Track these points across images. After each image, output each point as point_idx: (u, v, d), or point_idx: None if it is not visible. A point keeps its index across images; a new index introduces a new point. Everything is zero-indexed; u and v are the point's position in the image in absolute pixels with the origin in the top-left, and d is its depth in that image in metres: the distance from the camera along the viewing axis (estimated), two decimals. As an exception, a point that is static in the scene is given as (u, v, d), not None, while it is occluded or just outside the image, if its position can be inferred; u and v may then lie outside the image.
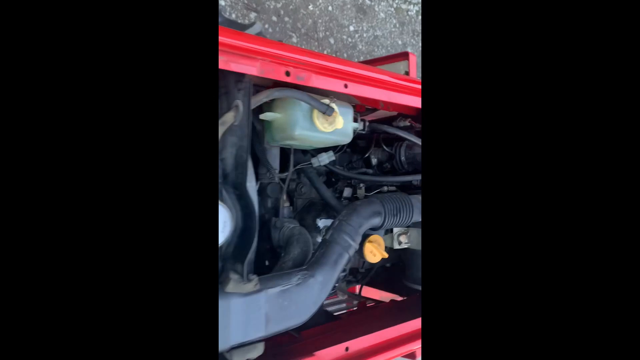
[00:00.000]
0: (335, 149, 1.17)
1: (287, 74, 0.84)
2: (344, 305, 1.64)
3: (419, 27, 4.15)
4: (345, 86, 0.94)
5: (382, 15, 3.97)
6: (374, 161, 1.41)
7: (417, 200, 1.17)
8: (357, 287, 1.61)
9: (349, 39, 3.79)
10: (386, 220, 1.05)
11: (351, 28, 3.78)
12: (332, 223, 0.99)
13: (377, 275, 1.64)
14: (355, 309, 1.55)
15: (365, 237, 1.07)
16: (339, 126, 0.95)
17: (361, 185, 1.21)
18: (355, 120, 1.05)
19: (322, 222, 1.20)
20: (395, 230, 1.27)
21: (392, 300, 1.63)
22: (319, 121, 0.91)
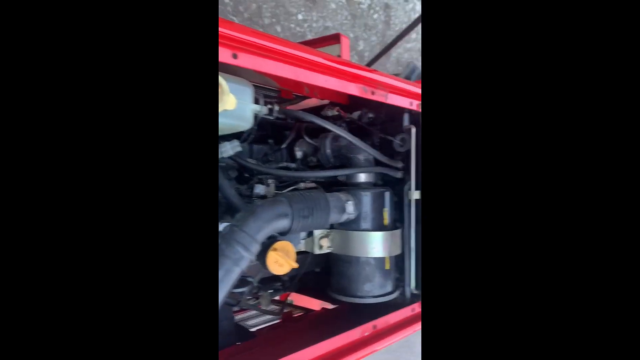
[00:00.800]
0: (240, 137, 0.97)
1: (144, 32, 0.63)
2: (267, 317, 1.45)
3: (370, 22, 4.08)
4: (235, 56, 0.74)
5: (333, 5, 3.84)
6: (299, 154, 1.24)
7: (336, 198, 1.00)
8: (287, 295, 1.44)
9: (298, 28, 3.63)
10: (295, 223, 0.88)
11: (300, 17, 3.62)
12: (223, 230, 0.79)
13: (309, 280, 1.47)
14: (278, 321, 1.37)
15: (270, 243, 0.88)
16: (229, 107, 0.75)
17: (269, 181, 1.02)
18: (257, 101, 0.86)
19: (223, 226, 1.00)
20: (316, 232, 1.10)
21: (324, 309, 1.47)
22: (199, 99, 0.71)
